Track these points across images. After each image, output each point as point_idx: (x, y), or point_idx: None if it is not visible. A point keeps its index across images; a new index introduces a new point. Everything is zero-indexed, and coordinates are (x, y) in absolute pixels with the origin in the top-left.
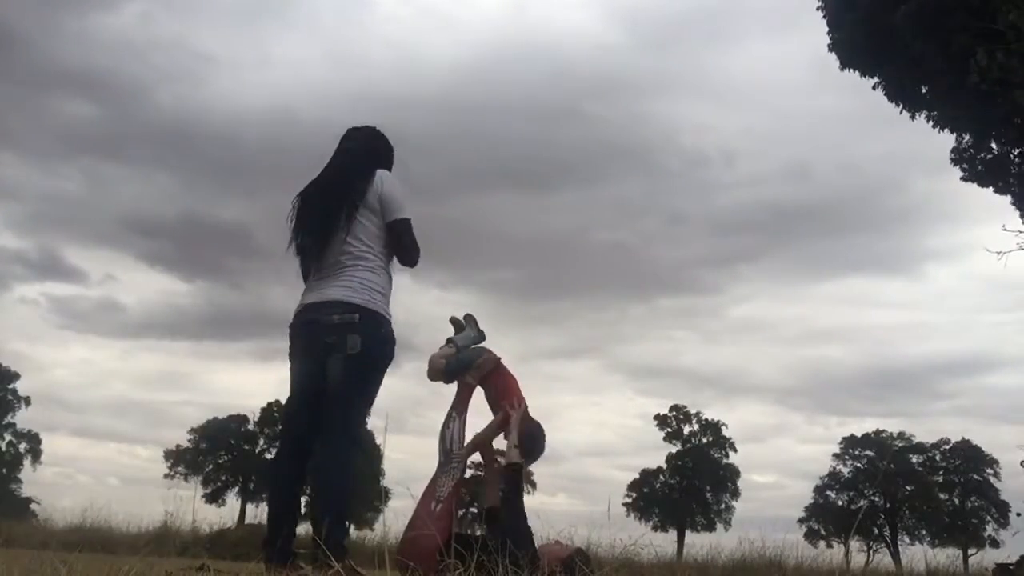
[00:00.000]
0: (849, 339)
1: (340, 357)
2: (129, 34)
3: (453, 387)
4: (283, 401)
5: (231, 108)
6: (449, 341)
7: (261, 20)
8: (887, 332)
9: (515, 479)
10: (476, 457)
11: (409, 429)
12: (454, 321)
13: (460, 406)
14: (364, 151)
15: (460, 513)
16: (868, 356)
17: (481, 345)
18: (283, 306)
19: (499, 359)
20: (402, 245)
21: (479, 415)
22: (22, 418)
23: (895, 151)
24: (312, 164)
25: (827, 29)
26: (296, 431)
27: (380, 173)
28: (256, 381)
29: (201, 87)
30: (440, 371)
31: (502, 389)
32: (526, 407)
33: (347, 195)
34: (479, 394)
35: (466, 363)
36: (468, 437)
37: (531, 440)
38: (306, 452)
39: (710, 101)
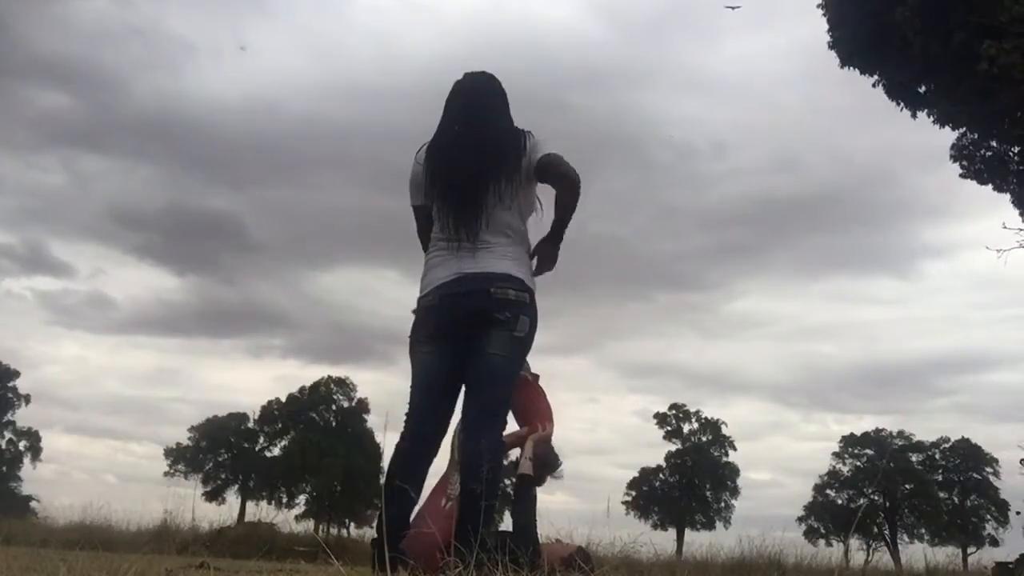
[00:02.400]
0: (844, 335)
1: (508, 334)
2: (103, 20)
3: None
4: (283, 399)
5: (211, 99)
6: None
7: (238, 7)
8: (882, 328)
9: (523, 488)
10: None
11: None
12: None
13: None
14: (503, 106)
15: None
16: (864, 353)
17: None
18: (275, 304)
19: (535, 375)
20: (562, 172)
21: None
22: (22, 416)
23: (888, 144)
24: (298, 158)
25: (827, 27)
26: (423, 421)
27: (531, 136)
28: (249, 378)
29: (179, 76)
30: None
31: (535, 407)
32: (551, 432)
33: (506, 162)
34: None
35: None
36: None
37: (541, 466)
38: (432, 441)
39: (695, 93)
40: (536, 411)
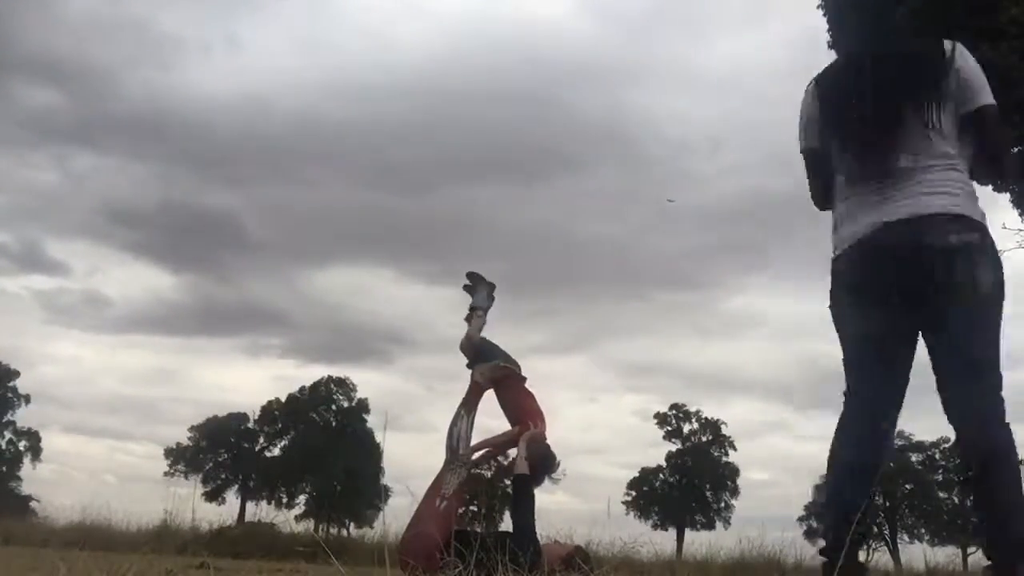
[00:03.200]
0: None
1: (965, 303)
2: (92, 16)
3: (451, 386)
4: (283, 399)
5: (203, 95)
6: (473, 309)
7: (228, 3)
8: None
9: (520, 488)
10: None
11: (405, 426)
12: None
13: (469, 405)
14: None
15: (460, 511)
16: None
17: (510, 355)
18: (272, 302)
19: (521, 377)
20: (988, 140)
21: (489, 416)
22: (21, 416)
23: None
24: (293, 156)
25: (827, 27)
26: (873, 409)
27: (956, 44)
28: (246, 378)
29: (170, 72)
30: (473, 347)
31: (522, 406)
32: (543, 430)
33: (931, 73)
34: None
35: (487, 354)
36: (475, 437)
37: (542, 462)
38: (879, 441)
39: (688, 89)
40: (527, 410)
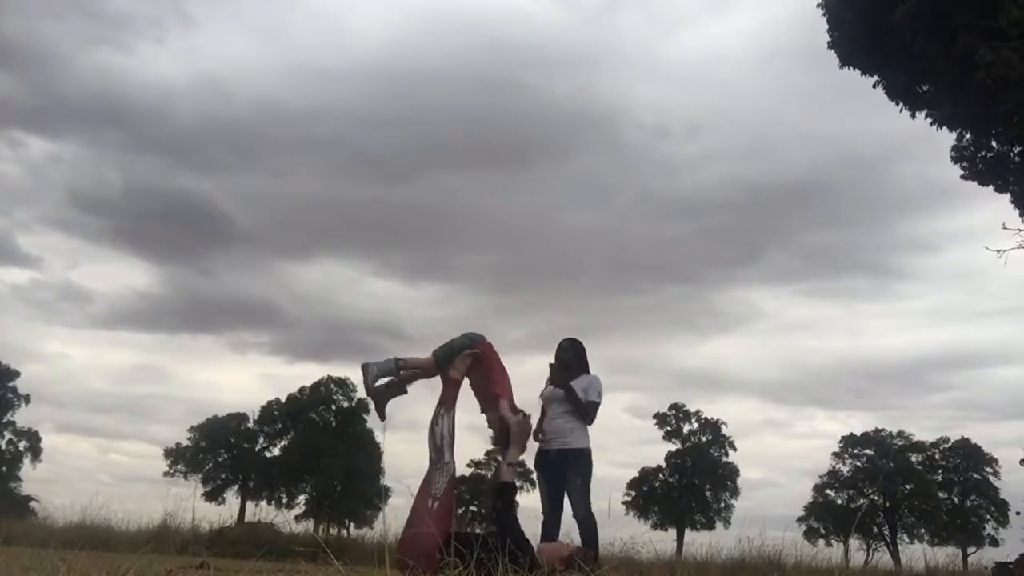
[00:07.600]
0: (833, 331)
1: None
2: None
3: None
4: (283, 399)
5: (159, 80)
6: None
7: None
8: (870, 323)
9: (508, 495)
10: (470, 454)
11: (404, 425)
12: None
13: (448, 403)
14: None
15: (459, 512)
16: (854, 349)
17: (469, 333)
18: (253, 296)
19: (480, 354)
20: None
21: (473, 412)
22: (21, 416)
23: (877, 132)
24: (252, 141)
25: (827, 27)
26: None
27: None
28: (236, 376)
29: (124, 54)
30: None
31: (492, 378)
32: (518, 415)
33: None
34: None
35: (454, 351)
36: (458, 433)
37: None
38: None
39: (655, 76)
40: (495, 380)
